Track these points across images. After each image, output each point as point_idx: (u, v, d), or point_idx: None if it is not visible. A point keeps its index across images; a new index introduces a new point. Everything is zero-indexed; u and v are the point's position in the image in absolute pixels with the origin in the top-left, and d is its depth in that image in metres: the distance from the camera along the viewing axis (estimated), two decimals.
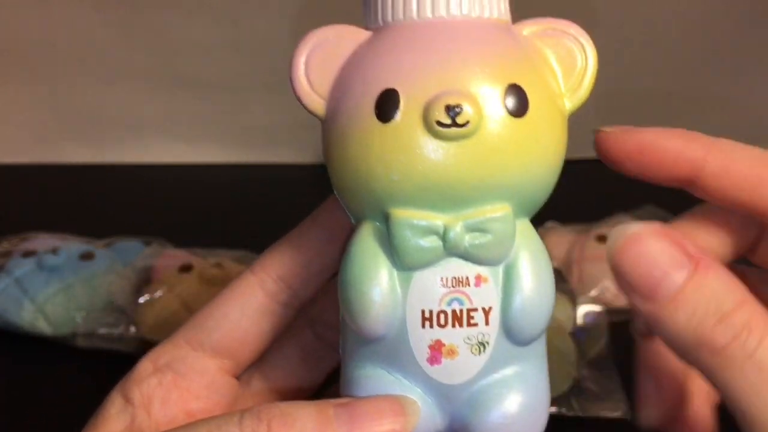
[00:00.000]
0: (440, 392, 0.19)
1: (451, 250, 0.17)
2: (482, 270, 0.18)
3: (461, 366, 0.18)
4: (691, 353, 0.17)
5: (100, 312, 0.45)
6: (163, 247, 0.50)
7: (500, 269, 0.18)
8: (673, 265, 0.17)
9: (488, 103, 0.17)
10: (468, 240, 0.17)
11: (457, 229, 0.17)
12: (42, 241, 0.49)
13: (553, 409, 0.41)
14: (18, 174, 0.64)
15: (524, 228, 0.18)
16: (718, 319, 0.17)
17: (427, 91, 0.17)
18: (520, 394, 0.18)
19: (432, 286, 0.18)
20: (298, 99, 0.18)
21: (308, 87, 0.18)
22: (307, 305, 0.23)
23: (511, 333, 0.18)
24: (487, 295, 0.18)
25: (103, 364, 0.44)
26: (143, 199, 0.61)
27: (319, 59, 0.18)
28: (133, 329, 0.44)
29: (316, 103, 0.18)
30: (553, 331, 0.43)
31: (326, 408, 0.18)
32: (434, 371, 0.18)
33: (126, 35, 0.59)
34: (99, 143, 0.65)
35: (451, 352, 0.18)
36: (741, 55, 0.61)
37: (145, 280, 0.47)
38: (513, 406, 0.18)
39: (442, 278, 0.18)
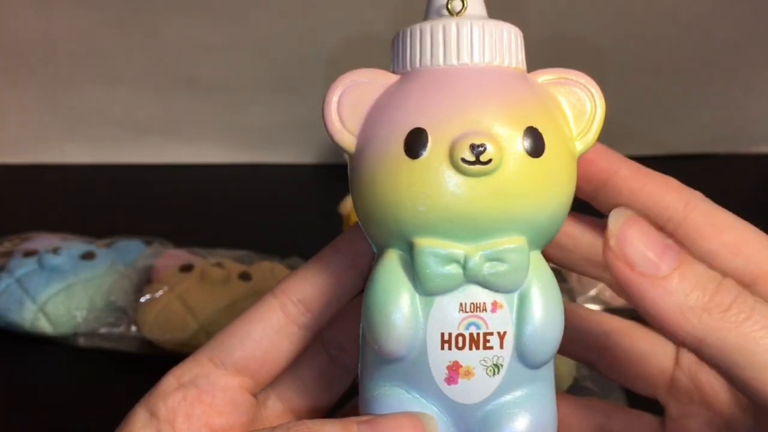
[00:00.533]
0: (456, 411, 0.19)
1: (470, 277, 0.18)
2: (498, 297, 0.19)
3: (477, 386, 0.19)
4: (702, 316, 0.18)
5: (101, 311, 0.45)
6: (163, 247, 0.50)
7: (515, 296, 0.19)
8: (666, 244, 0.18)
9: (509, 143, 0.18)
10: (486, 268, 0.18)
11: (476, 259, 0.18)
12: (43, 241, 0.49)
13: None
14: (18, 174, 0.64)
15: (536, 260, 0.19)
16: (717, 284, 0.18)
17: (453, 131, 0.18)
18: (530, 414, 0.19)
19: (451, 310, 0.19)
20: (330, 135, 0.19)
21: (340, 124, 0.19)
22: (324, 328, 0.24)
23: (524, 356, 0.19)
24: (502, 320, 0.19)
25: (104, 364, 0.44)
26: (143, 199, 0.61)
27: (351, 99, 0.19)
28: (133, 329, 0.44)
29: (347, 139, 0.19)
30: None
31: (350, 425, 0.19)
32: (451, 391, 0.19)
33: (126, 35, 0.59)
34: (99, 143, 0.65)
35: (468, 373, 0.19)
36: (740, 55, 0.62)
37: (145, 280, 0.47)
38: (523, 425, 0.19)
39: (461, 303, 0.19)
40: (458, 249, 0.18)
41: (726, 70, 0.62)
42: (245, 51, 0.60)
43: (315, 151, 0.65)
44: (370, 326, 0.19)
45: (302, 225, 0.55)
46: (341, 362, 0.25)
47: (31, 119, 0.64)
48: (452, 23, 0.19)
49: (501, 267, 0.18)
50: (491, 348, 0.19)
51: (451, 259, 0.18)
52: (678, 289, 0.18)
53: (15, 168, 0.64)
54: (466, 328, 0.19)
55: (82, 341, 0.45)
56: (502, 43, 0.19)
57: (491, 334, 0.19)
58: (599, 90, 0.20)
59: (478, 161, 0.17)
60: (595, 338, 0.26)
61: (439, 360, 0.19)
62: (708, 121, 0.64)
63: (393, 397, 0.20)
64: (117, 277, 0.47)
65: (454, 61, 0.19)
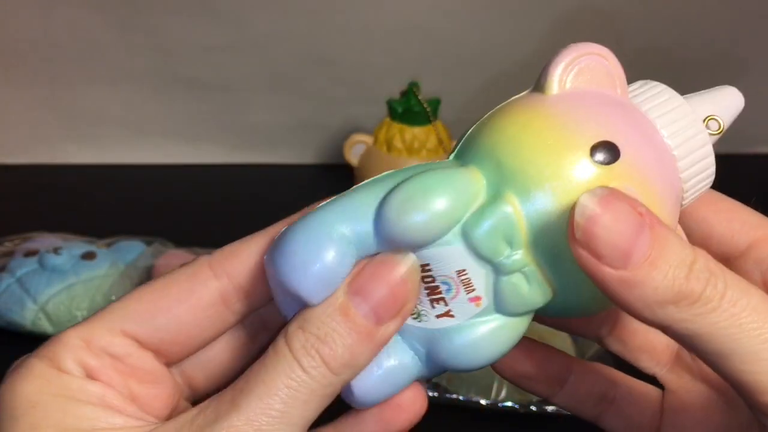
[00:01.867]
0: None
1: (500, 268, 0.18)
2: (486, 300, 0.18)
3: None
4: (668, 309, 0.17)
5: None
6: (163, 247, 0.50)
7: (491, 314, 0.18)
8: (640, 226, 0.17)
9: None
10: (511, 276, 0.18)
11: (517, 256, 0.18)
12: (44, 241, 0.49)
13: (552, 408, 0.41)
14: (18, 174, 0.64)
15: (526, 322, 0.19)
16: (688, 269, 0.17)
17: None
18: (390, 370, 0.19)
19: (454, 260, 0.18)
20: (547, 66, 0.19)
21: (560, 77, 0.19)
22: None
23: (431, 348, 0.19)
24: (462, 311, 0.18)
25: None
26: (143, 199, 0.61)
27: (590, 68, 0.19)
28: None
29: (554, 86, 0.19)
30: (551, 330, 0.43)
31: (346, 308, 0.18)
32: None
33: (126, 36, 0.59)
34: (99, 143, 0.65)
35: None
36: (740, 56, 0.62)
37: (146, 280, 0.47)
38: (380, 370, 0.19)
39: (464, 269, 0.18)
40: (515, 229, 0.18)
41: (726, 71, 0.62)
42: (245, 51, 0.60)
43: (315, 151, 0.65)
44: (406, 194, 0.17)
45: None
46: (260, 342, 0.23)
47: (31, 119, 0.64)
48: (688, 108, 0.20)
49: (520, 282, 0.18)
50: (433, 307, 0.18)
51: (505, 237, 0.18)
52: (646, 282, 0.17)
53: (15, 168, 0.64)
54: (441, 281, 0.18)
55: None
56: (692, 155, 0.19)
57: (446, 304, 0.18)
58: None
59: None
60: (602, 316, 0.25)
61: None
62: None
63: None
64: (117, 277, 0.47)
65: (662, 136, 0.19)
